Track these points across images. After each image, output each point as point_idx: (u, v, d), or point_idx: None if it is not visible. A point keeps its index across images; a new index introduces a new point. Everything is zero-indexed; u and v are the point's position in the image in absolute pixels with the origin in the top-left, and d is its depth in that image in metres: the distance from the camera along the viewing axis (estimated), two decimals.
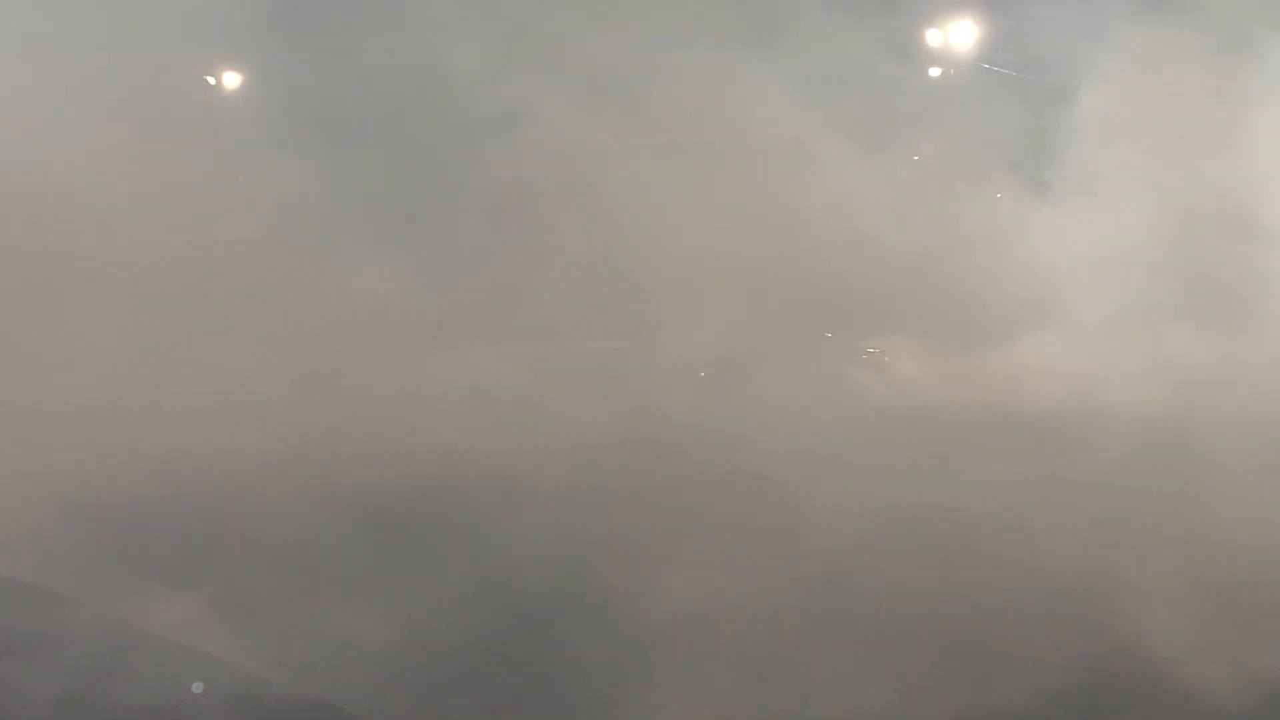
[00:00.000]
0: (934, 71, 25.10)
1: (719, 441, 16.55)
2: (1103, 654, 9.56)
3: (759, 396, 19.30)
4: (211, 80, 26.57)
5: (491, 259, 24.69)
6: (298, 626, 9.57)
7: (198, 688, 8.27)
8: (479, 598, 10.60)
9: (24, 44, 16.20)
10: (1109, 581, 10.65)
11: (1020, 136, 22.23)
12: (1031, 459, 14.54)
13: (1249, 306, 20.06)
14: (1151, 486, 13.02)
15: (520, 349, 23.17)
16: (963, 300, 20.62)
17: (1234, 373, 18.20)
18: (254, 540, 11.65)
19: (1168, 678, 8.83)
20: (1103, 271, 19.70)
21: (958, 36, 24.88)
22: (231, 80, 26.14)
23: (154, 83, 17.82)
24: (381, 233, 22.99)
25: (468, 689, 9.10)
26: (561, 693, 9.07)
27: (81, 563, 10.61)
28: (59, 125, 16.68)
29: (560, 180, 23.03)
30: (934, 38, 24.91)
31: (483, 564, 11.44)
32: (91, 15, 16.92)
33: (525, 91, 22.33)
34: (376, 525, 12.53)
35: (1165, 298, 19.53)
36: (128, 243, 17.07)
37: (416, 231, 23.49)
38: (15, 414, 14.25)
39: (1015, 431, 16.25)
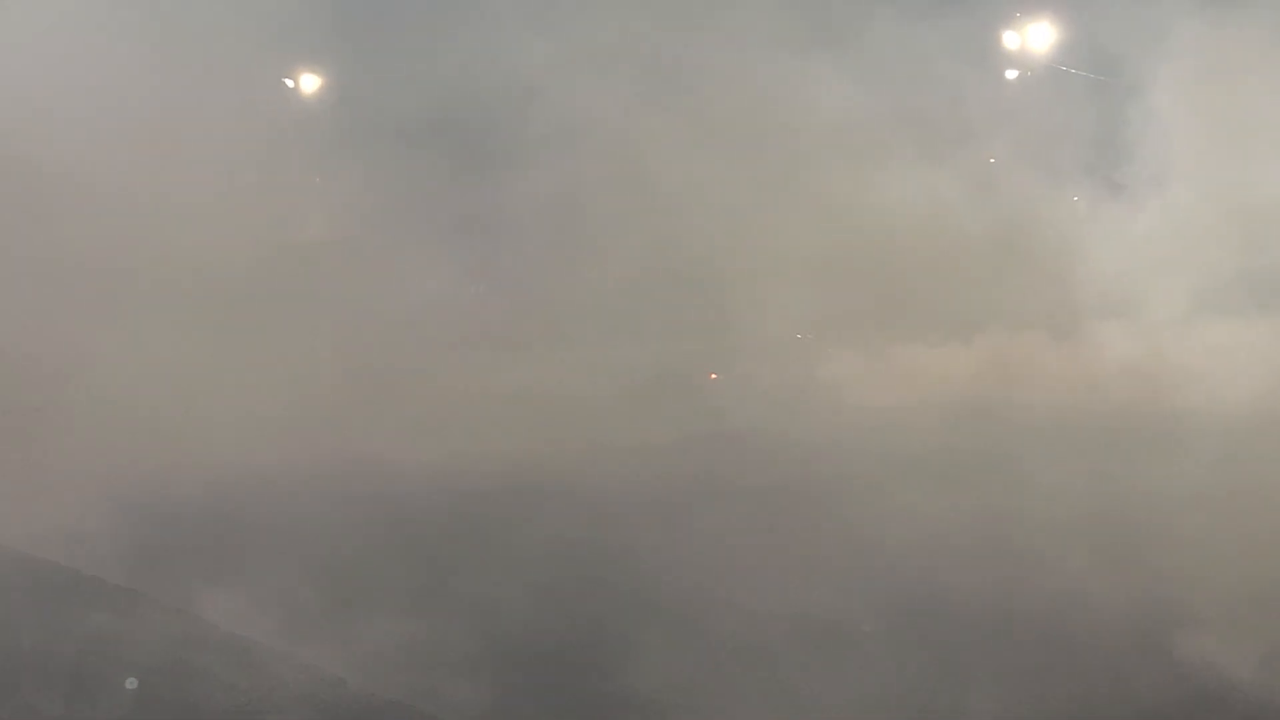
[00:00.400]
0: (1009, 72, 24.88)
1: (788, 443, 16.46)
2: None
3: (827, 397, 19.17)
4: (287, 84, 26.87)
5: (552, 261, 24.74)
6: (373, 628, 9.59)
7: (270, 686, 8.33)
8: (547, 600, 10.58)
9: (100, 48, 16.40)
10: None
11: (1092, 135, 21.96)
12: (1116, 459, 14.28)
13: None
14: (1247, 488, 12.74)
15: (582, 352, 23.13)
16: (1038, 298, 20.41)
17: None
18: (326, 542, 11.69)
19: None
20: (1176, 269, 19.41)
21: (1027, 36, 24.60)
22: (301, 85, 26.39)
23: (224, 88, 17.99)
24: (444, 235, 23.09)
25: (537, 690, 9.10)
26: (625, 695, 9.03)
27: (161, 564, 10.71)
28: (132, 129, 16.88)
29: (623, 181, 23.03)
30: (1007, 38, 24.67)
31: (549, 567, 11.42)
32: (165, 20, 17.12)
33: (587, 93, 22.38)
34: (447, 528, 12.57)
35: (1240, 294, 19.23)
36: (191, 245, 17.24)
37: (478, 234, 23.56)
38: (85, 415, 14.37)
39: (1095, 431, 16.00)
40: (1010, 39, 24.40)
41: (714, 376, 21.90)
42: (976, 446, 16.03)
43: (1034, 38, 24.41)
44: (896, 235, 20.34)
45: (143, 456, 13.56)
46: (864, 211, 20.67)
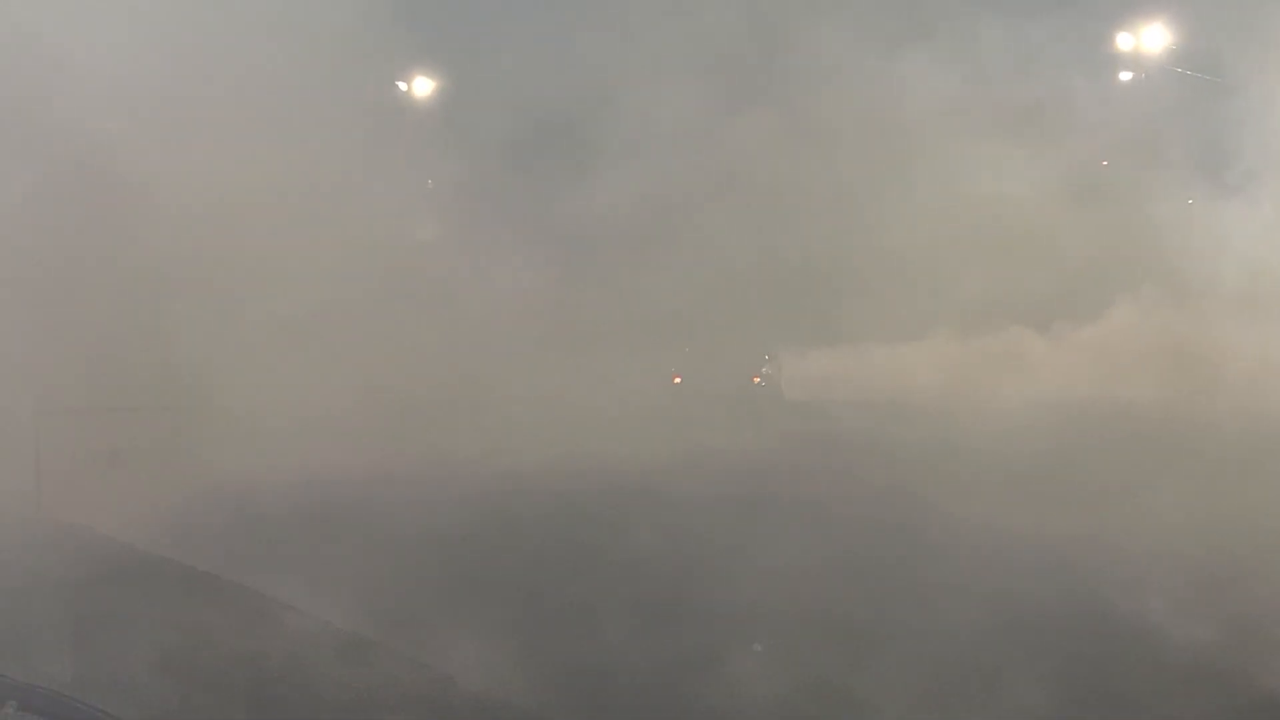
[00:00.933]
0: (1123, 75, 24.53)
1: (894, 445, 16.32)
2: None
3: (936, 398, 18.97)
4: (392, 87, 27.19)
5: (649, 263, 24.71)
6: (482, 628, 9.58)
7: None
8: (647, 604, 10.49)
9: (207, 52, 16.67)
10: None
11: (1206, 136, 21.53)
12: (1234, 471, 13.84)
13: None
14: None
15: (677, 354, 23.08)
16: (1152, 296, 20.05)
17: None
18: (437, 542, 11.73)
19: None
20: None
21: (1141, 38, 24.20)
22: (407, 87, 26.69)
23: (325, 92, 18.19)
24: (538, 238, 23.19)
25: (642, 692, 9.01)
26: (726, 698, 8.93)
27: (274, 561, 10.81)
28: (239, 131, 17.14)
29: (723, 182, 22.98)
30: (1122, 40, 24.29)
31: (650, 570, 11.34)
32: (272, 24, 17.35)
33: (685, 94, 22.33)
34: (555, 530, 12.58)
35: None
36: (289, 249, 17.46)
37: (575, 237, 23.62)
38: (197, 416, 14.60)
39: (1211, 439, 15.58)
40: (1124, 40, 24.03)
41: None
42: (1089, 449, 15.75)
43: (1147, 38, 24.02)
44: (1008, 234, 20.06)
45: (257, 456, 13.73)
46: (973, 209, 20.42)
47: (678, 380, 20.76)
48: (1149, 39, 23.98)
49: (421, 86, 27.29)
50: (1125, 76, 24.48)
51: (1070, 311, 21.71)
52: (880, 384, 20.86)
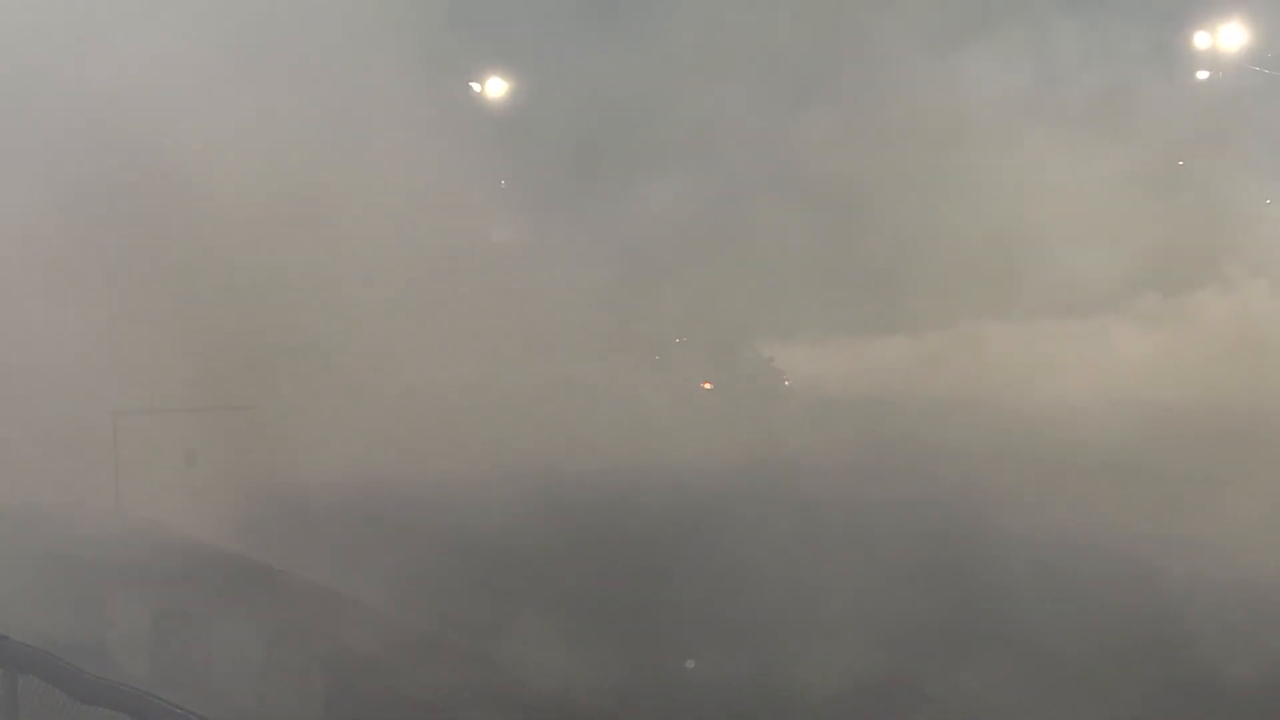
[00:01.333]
0: (1200, 74, 24.20)
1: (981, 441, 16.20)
2: None
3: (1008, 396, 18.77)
4: (479, 88, 27.38)
5: (721, 262, 24.65)
6: (560, 632, 9.56)
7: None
8: (732, 608, 10.41)
9: (281, 54, 16.83)
10: None
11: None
12: None
13: None
14: None
15: (746, 356, 22.97)
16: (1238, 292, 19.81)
17: None
18: (515, 547, 11.69)
19: None
20: None
21: (1219, 37, 23.88)
22: (475, 92, 26.87)
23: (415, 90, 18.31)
24: (620, 241, 23.19)
25: (708, 691, 8.95)
26: (795, 699, 8.84)
27: (355, 563, 10.87)
28: (311, 136, 17.30)
29: (788, 180, 22.88)
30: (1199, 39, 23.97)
31: (732, 574, 11.26)
32: (344, 25, 17.50)
33: (745, 93, 22.26)
34: (630, 535, 12.55)
35: None
36: (369, 252, 17.58)
37: (654, 238, 23.58)
38: (279, 419, 14.69)
39: None
40: (1200, 38, 23.74)
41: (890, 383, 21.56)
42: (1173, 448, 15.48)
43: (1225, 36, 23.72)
44: (1082, 232, 19.83)
45: (333, 457, 13.81)
46: (1051, 205, 20.20)
47: (708, 386, 20.64)
48: (1227, 37, 23.66)
49: (492, 87, 27.46)
50: (1203, 74, 24.16)
51: (1151, 309, 21.42)
52: (951, 381, 20.66)
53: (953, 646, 9.52)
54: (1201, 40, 23.73)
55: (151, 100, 15.24)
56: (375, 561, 10.83)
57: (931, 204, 21.45)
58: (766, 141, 23.12)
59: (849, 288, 23.48)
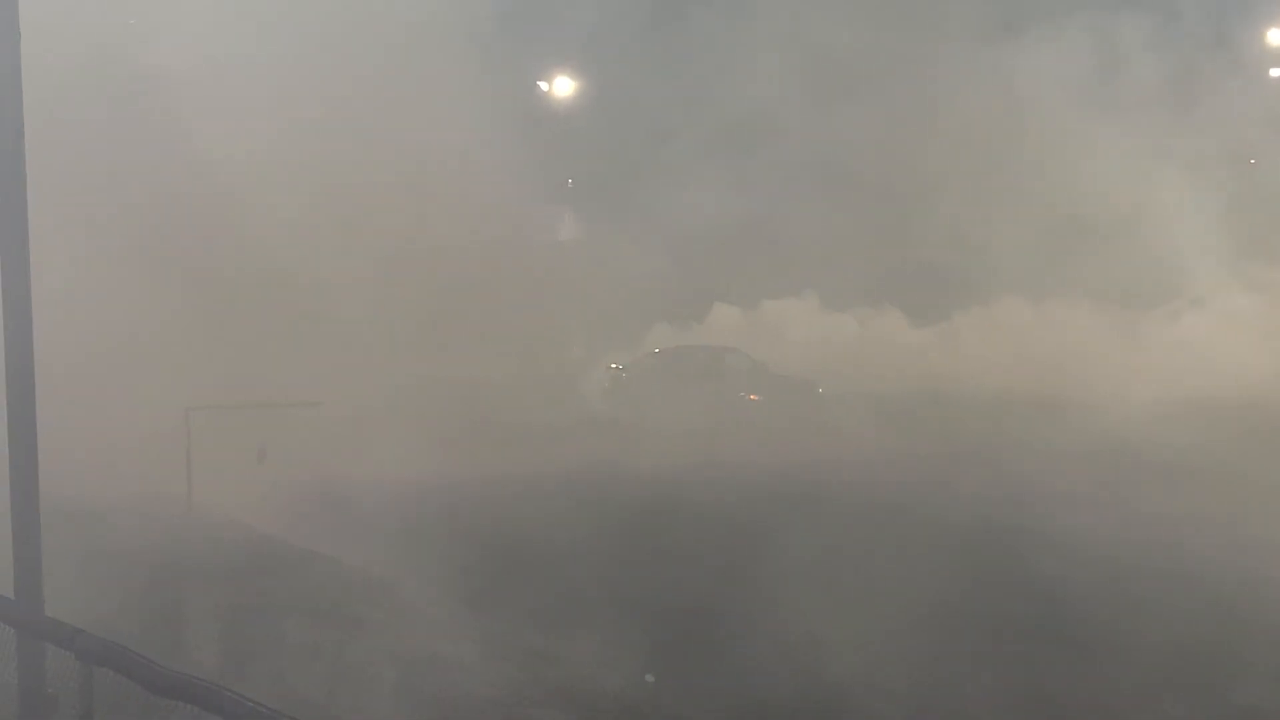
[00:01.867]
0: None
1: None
2: None
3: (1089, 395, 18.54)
4: (543, 87, 27.53)
5: (770, 263, 24.61)
6: (625, 629, 9.53)
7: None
8: (796, 611, 10.31)
9: (348, 58, 16.99)
10: None
11: None
12: None
13: None
14: None
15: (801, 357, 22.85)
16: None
17: None
18: (581, 545, 11.66)
19: None
20: None
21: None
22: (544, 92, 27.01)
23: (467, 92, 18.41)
24: (680, 239, 23.19)
25: (774, 691, 8.86)
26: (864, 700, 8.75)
27: (422, 560, 10.89)
28: (377, 138, 17.45)
29: (826, 177, 22.80)
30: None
31: (796, 576, 11.15)
32: (410, 26, 17.63)
33: (789, 91, 22.19)
34: (694, 534, 12.49)
35: None
36: (423, 250, 17.70)
37: (716, 236, 23.60)
38: (347, 417, 14.80)
39: None
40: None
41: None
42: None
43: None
44: (1145, 229, 19.63)
45: (404, 455, 13.88)
46: (1096, 200, 20.03)
47: (754, 398, 20.53)
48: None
49: (549, 89, 27.57)
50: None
51: (1220, 307, 21.16)
52: (1012, 379, 20.47)
53: (1010, 648, 9.48)
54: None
55: (223, 105, 15.45)
56: (444, 560, 10.84)
57: (994, 199, 21.32)
58: (811, 140, 23.08)
59: (897, 288, 23.44)
